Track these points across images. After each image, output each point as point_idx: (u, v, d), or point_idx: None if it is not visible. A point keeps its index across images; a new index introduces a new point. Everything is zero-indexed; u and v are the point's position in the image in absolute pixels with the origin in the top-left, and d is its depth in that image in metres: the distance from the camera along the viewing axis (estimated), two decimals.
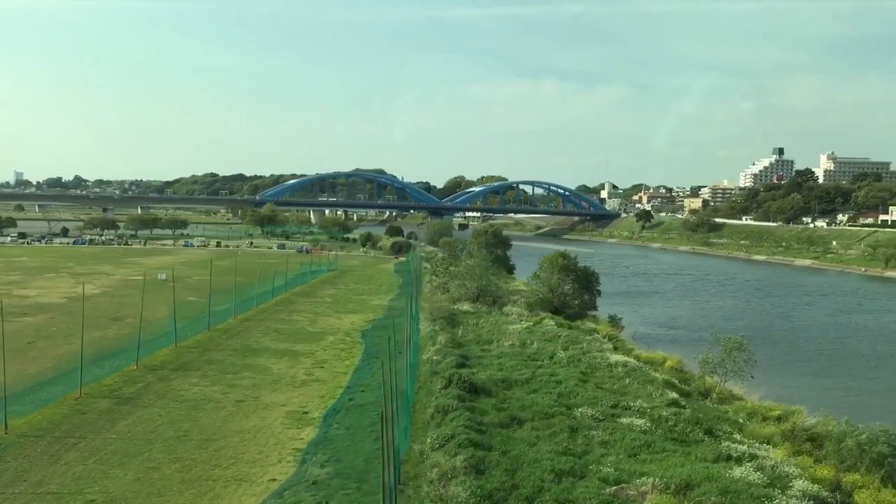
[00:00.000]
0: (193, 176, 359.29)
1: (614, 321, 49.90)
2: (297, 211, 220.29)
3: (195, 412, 24.03)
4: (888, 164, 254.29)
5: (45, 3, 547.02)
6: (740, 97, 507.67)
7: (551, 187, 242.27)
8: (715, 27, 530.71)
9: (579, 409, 24.05)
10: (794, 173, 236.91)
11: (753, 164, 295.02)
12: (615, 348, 37.26)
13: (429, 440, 20.95)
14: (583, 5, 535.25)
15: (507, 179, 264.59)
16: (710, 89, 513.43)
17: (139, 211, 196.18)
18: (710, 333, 34.45)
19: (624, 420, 23.26)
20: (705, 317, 59.31)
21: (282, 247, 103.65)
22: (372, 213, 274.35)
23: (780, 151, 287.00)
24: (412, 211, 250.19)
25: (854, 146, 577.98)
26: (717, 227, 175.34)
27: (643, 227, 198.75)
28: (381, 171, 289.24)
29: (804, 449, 23.61)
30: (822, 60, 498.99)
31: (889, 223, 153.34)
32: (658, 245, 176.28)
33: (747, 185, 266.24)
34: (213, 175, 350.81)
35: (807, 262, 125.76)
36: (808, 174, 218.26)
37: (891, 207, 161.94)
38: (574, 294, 49.30)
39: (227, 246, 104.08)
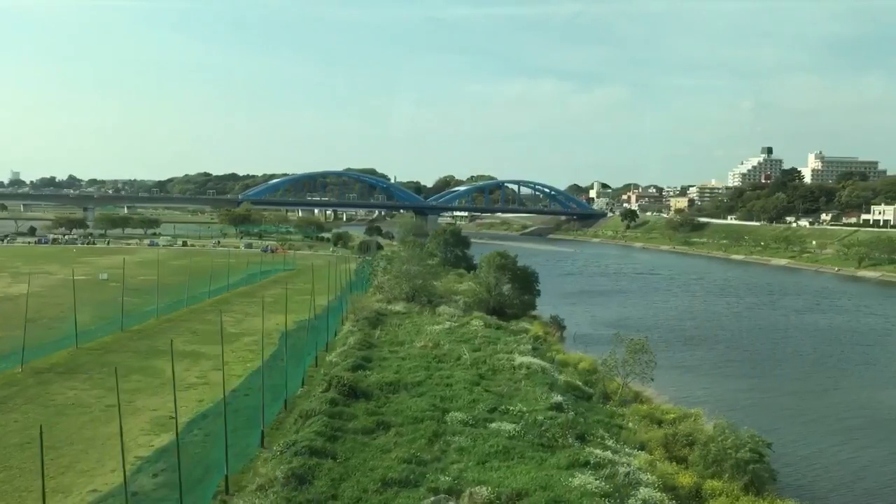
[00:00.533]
0: (186, 175, 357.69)
1: (555, 321, 49.17)
2: (287, 210, 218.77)
3: (57, 418, 23.23)
4: (875, 163, 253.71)
5: (44, 3, 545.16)
6: (738, 97, 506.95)
7: (537, 186, 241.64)
8: (714, 27, 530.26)
9: (452, 414, 23.32)
10: (780, 172, 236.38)
11: (742, 163, 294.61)
12: (535, 349, 36.50)
13: (275, 447, 20.22)
14: (581, 5, 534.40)
15: (495, 178, 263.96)
16: (709, 89, 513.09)
17: (125, 210, 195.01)
18: (614, 335, 33.67)
19: (494, 425, 22.53)
20: (655, 317, 58.59)
21: (248, 246, 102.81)
22: (362, 212, 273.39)
23: (769, 151, 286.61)
24: (401, 210, 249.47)
25: (851, 146, 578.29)
26: (700, 227, 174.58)
27: (628, 227, 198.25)
28: (373, 171, 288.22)
29: (682, 454, 22.93)
30: (820, 60, 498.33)
31: (871, 222, 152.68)
32: (640, 244, 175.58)
33: (735, 184, 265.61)
34: (207, 175, 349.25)
35: (783, 261, 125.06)
36: (793, 173, 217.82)
37: (873, 207, 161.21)
38: (513, 294, 48.53)
39: (194, 245, 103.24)
